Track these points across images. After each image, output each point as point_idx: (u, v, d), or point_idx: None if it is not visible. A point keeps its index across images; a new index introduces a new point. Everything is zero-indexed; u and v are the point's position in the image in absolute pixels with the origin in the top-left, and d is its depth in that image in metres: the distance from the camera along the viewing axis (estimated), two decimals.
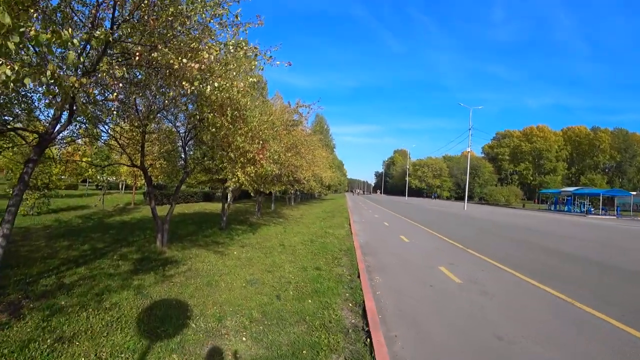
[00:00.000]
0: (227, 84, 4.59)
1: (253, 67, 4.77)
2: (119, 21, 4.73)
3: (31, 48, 3.37)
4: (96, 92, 6.30)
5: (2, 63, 2.40)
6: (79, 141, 9.03)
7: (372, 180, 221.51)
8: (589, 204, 48.06)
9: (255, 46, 5.00)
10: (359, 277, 7.35)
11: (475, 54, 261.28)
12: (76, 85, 4.04)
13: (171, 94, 4.30)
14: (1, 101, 6.47)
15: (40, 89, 5.73)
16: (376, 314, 5.01)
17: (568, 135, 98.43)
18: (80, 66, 5.02)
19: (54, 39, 2.66)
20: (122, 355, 3.74)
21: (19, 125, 6.88)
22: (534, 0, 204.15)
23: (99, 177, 22.40)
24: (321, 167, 21.67)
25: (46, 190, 16.10)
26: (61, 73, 3.32)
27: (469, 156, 52.07)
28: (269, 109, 11.74)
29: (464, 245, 12.59)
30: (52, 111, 6.44)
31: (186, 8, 4.53)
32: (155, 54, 4.13)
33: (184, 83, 4.13)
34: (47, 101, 3.91)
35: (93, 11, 4.30)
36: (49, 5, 4.00)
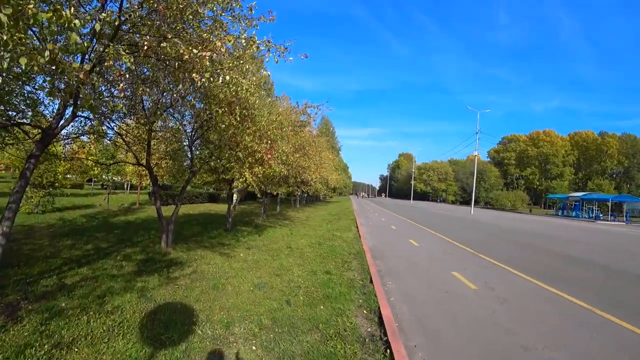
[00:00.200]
0: (239, 78, 4.34)
1: (267, 59, 4.49)
2: (129, 13, 4.53)
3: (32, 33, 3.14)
4: (102, 87, 6.13)
5: None
6: (84, 138, 8.79)
7: (376, 184, 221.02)
8: (598, 210, 47.34)
9: (268, 39, 4.75)
10: (371, 282, 7.06)
11: (480, 57, 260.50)
12: (81, 76, 3.82)
13: (180, 87, 4.05)
14: (6, 96, 6.36)
15: (45, 83, 5.58)
16: (393, 322, 4.72)
17: (575, 140, 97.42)
18: (86, 60, 4.83)
19: (54, 19, 2.42)
20: None
21: (23, 121, 6.71)
22: (539, 3, 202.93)
23: (104, 177, 22.31)
24: (327, 169, 21.40)
25: (51, 189, 15.98)
26: (65, 59, 3.07)
27: (476, 160, 51.52)
28: (276, 109, 11.51)
29: (475, 250, 12.25)
30: (56, 107, 6.28)
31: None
32: (164, 44, 3.89)
33: (193, 75, 3.88)
34: (48, 90, 3.65)
35: None
36: None
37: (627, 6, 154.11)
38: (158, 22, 4.44)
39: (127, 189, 40.72)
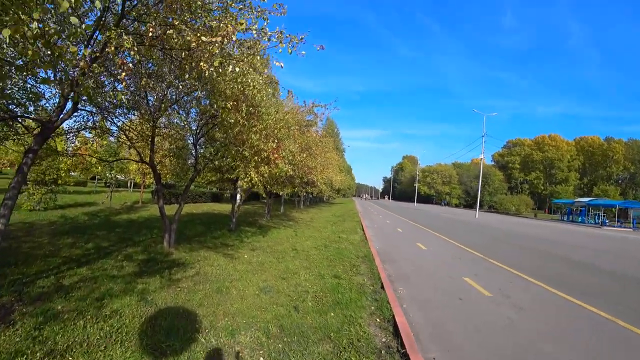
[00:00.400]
0: (249, 69, 4.07)
1: (280, 49, 4.19)
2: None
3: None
4: (103, 77, 5.88)
5: None
6: (87, 134, 8.55)
7: (379, 186, 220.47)
8: (604, 216, 46.74)
9: (281, 30, 4.47)
10: (382, 287, 6.75)
11: (485, 60, 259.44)
12: (81, 64, 3.56)
13: (186, 77, 3.78)
14: (7, 90, 6.14)
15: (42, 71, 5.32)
16: (410, 332, 4.41)
17: (581, 145, 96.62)
18: (88, 47, 4.58)
19: None
20: None
21: (22, 114, 6.47)
22: (544, 7, 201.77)
23: (107, 175, 22.14)
24: (333, 170, 21.12)
25: (54, 186, 15.79)
26: (60, 44, 2.80)
27: (481, 163, 51.05)
28: (282, 107, 11.25)
29: (483, 254, 11.92)
30: (57, 101, 6.03)
31: None
32: (170, 31, 3.62)
33: (201, 64, 3.61)
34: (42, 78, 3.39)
35: None
36: None
37: (633, 10, 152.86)
38: (164, 13, 4.19)
39: (130, 187, 40.60)
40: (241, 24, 3.58)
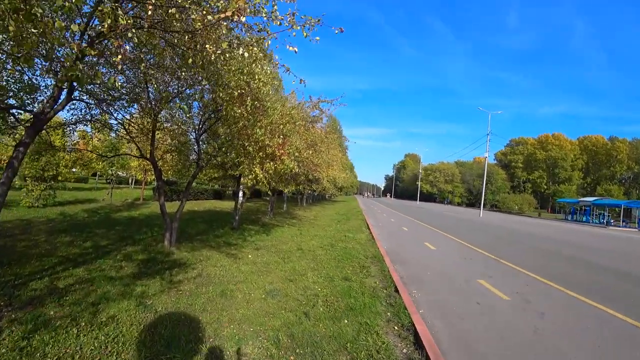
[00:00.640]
0: (258, 53, 3.69)
1: (294, 32, 3.78)
2: None
3: None
4: (103, 69, 5.51)
5: None
6: (87, 129, 8.19)
7: (381, 184, 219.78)
8: (609, 215, 46.23)
9: (293, 11, 4.07)
10: (396, 290, 6.37)
11: (488, 60, 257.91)
12: (74, 47, 3.19)
13: (190, 61, 3.40)
14: (2, 82, 5.79)
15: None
16: (433, 343, 4.04)
17: (584, 144, 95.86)
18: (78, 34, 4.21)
19: None
20: None
21: (13, 104, 6.12)
22: (548, 7, 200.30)
23: (108, 171, 21.82)
24: (336, 168, 20.73)
25: (53, 182, 15.47)
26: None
27: (486, 162, 50.55)
28: (286, 103, 10.87)
29: (494, 255, 11.54)
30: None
31: None
32: (172, 10, 3.23)
33: (207, 47, 3.24)
34: (23, 55, 3.01)
35: None
36: None
37: (637, 10, 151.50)
38: None
39: (131, 184, 40.38)
40: None
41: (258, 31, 3.71)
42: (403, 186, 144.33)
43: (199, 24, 3.21)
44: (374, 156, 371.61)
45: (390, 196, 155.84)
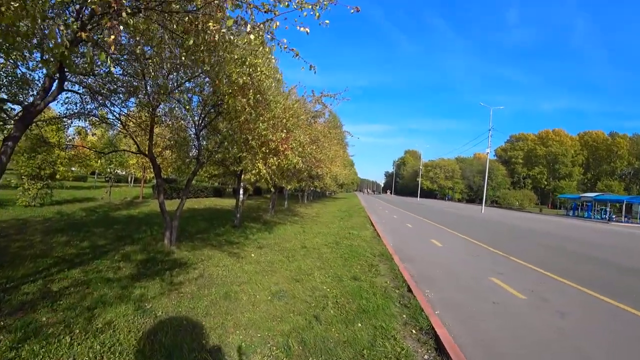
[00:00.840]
0: (265, 36, 3.36)
1: (305, 13, 3.44)
2: None
3: None
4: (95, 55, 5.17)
5: None
6: (81, 123, 7.86)
7: (381, 180, 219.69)
8: (611, 211, 46.03)
9: None
10: (409, 291, 6.07)
11: (488, 56, 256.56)
12: (61, 28, 2.87)
13: (191, 42, 3.08)
14: None
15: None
16: (457, 349, 3.74)
17: (585, 140, 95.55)
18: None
19: None
20: None
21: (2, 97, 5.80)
22: (548, 3, 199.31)
23: (107, 169, 21.49)
24: (339, 164, 20.44)
25: (49, 181, 15.14)
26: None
27: (487, 158, 50.22)
28: (288, 97, 10.55)
29: (502, 251, 11.26)
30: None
31: None
32: None
33: (210, 24, 2.92)
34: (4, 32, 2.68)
35: None
36: None
37: (638, 6, 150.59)
38: None
39: (130, 182, 40.03)
40: None
41: (265, 12, 3.38)
42: (403, 183, 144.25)
43: (200, 0, 2.89)
44: (374, 153, 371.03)
45: (391, 193, 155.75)
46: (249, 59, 5.65)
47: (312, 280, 6.40)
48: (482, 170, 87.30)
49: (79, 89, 6.40)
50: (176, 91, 6.76)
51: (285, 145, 8.09)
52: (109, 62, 2.72)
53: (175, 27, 4.01)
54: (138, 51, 4.47)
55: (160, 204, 8.17)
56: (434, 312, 5.10)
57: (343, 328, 4.27)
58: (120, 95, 7.19)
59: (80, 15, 4.01)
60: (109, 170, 21.53)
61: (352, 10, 3.37)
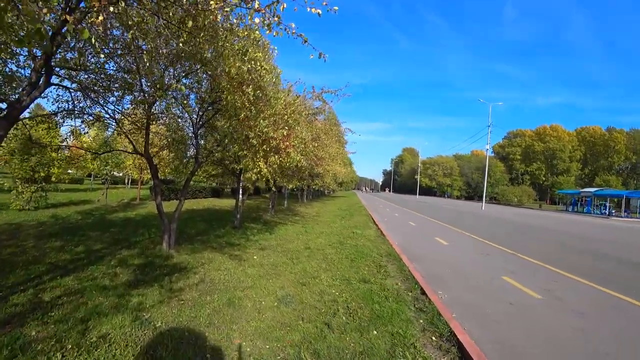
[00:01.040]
0: (270, 17, 3.05)
1: None
2: None
3: None
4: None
5: None
6: (74, 122, 7.50)
7: (379, 178, 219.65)
8: (610, 206, 45.94)
9: None
10: (422, 293, 5.77)
11: (485, 52, 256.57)
12: (44, 11, 2.55)
13: (190, 24, 2.77)
14: None
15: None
16: (484, 356, 3.44)
17: (582, 135, 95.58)
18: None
19: None
20: None
21: None
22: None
23: (103, 171, 21.10)
24: (340, 162, 20.14)
25: (44, 184, 14.75)
26: None
27: (487, 154, 49.96)
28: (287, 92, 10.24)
29: (510, 249, 10.99)
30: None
31: None
32: None
33: (212, 2, 2.60)
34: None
35: None
36: None
37: (634, 0, 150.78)
38: None
39: (127, 183, 39.61)
40: None
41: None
42: (401, 180, 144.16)
43: None
44: (372, 151, 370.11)
45: (389, 191, 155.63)
46: (249, 51, 5.35)
47: (319, 283, 6.09)
48: (480, 167, 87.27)
49: (70, 85, 6.05)
50: (173, 82, 6.42)
51: (287, 143, 7.79)
52: (93, 40, 2.38)
53: (171, 15, 3.69)
54: (130, 37, 4.11)
55: (158, 206, 7.84)
56: (452, 315, 4.81)
57: (358, 337, 3.96)
58: (115, 92, 6.86)
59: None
60: (105, 172, 21.14)
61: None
